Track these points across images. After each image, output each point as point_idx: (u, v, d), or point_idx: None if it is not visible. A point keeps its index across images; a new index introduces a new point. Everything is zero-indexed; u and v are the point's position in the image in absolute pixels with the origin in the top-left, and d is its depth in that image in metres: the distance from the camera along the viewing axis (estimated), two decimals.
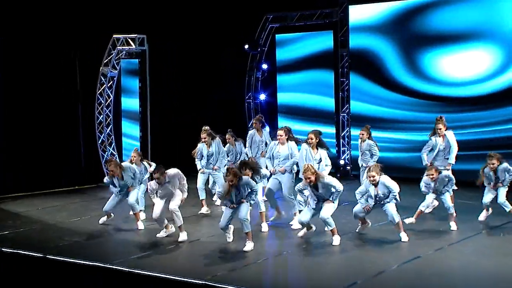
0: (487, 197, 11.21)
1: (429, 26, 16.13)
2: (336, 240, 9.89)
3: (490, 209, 11.34)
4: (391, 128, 16.74)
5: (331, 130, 17.91)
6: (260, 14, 18.84)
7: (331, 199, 9.92)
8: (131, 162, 11.94)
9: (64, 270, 8.90)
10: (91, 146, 17.10)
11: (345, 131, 17.84)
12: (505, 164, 11.01)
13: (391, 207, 10.11)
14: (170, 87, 18.24)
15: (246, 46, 19.08)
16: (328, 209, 9.88)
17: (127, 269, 8.53)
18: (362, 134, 13.26)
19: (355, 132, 17.26)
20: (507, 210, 11.05)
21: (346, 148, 17.81)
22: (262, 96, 19.73)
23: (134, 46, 16.49)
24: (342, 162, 17.81)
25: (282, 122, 18.74)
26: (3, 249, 9.80)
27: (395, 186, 10.11)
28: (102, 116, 17.17)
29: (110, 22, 16.97)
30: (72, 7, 16.52)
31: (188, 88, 18.62)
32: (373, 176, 10.07)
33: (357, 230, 10.65)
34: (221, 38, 18.50)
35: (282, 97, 19.00)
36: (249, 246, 9.61)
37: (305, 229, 10.34)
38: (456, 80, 15.83)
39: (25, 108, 16.02)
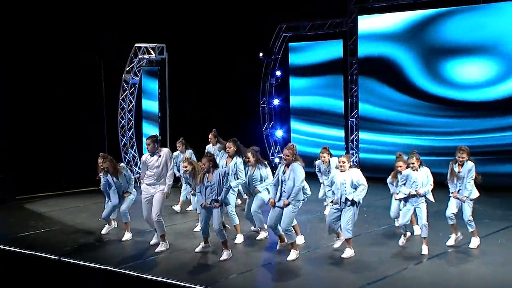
0: (451, 208, 9.53)
1: (432, 36, 15.76)
2: (293, 255, 9.05)
3: (459, 233, 9.65)
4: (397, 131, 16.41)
5: (341, 133, 17.65)
6: (274, 24, 18.66)
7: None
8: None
9: (76, 272, 8.71)
10: (114, 148, 16.99)
11: (353, 135, 17.54)
12: (472, 164, 9.34)
13: (346, 217, 8.99)
14: (188, 92, 18.08)
15: (261, 54, 18.89)
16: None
17: (130, 273, 8.32)
18: (324, 157, 11.63)
19: (363, 135, 17.01)
20: (470, 230, 9.51)
21: (354, 151, 17.47)
22: (276, 101, 19.48)
23: (154, 55, 16.35)
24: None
25: (294, 125, 18.48)
26: (22, 251, 9.65)
27: (364, 181, 8.99)
28: (124, 120, 17.09)
29: (133, 32, 16.88)
30: (98, 19, 16.44)
31: (205, 94, 18.43)
32: (343, 162, 8.96)
33: (334, 246, 9.61)
34: (237, 47, 18.26)
35: (295, 101, 18.70)
36: (225, 255, 8.99)
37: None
38: (467, 84, 15.43)
39: (56, 112, 16.03)
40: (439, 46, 15.66)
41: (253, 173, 10.06)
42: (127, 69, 16.86)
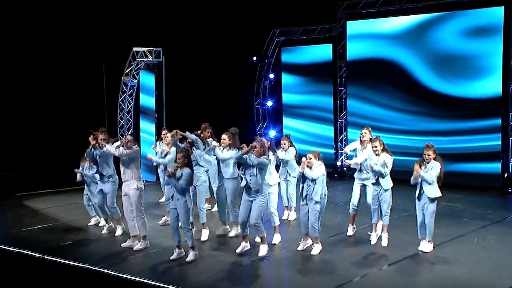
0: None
1: (419, 41, 15.17)
2: (264, 250, 8.60)
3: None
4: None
5: (330, 133, 17.14)
6: (267, 29, 18.14)
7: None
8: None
9: (57, 270, 8.23)
10: None
11: (342, 135, 17.02)
12: (437, 163, 8.51)
13: (310, 215, 8.55)
14: (184, 94, 17.46)
15: (255, 58, 18.38)
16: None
17: (107, 272, 7.86)
18: (285, 143, 10.60)
19: (351, 135, 16.47)
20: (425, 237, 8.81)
21: (343, 151, 16.89)
22: (269, 103, 18.98)
23: (151, 58, 15.87)
24: (339, 163, 16.98)
25: (287, 121, 17.93)
26: (11, 249, 9.19)
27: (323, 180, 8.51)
28: (123, 120, 16.64)
29: (131, 36, 16.41)
30: (99, 23, 15.99)
31: (201, 95, 17.87)
32: (310, 158, 8.55)
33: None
34: (232, 50, 17.72)
35: (287, 100, 18.13)
36: (192, 256, 8.37)
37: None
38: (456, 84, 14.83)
39: (57, 113, 15.67)
40: (426, 50, 15.02)
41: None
42: (126, 71, 16.41)
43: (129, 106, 16.62)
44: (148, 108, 16.18)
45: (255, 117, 18.89)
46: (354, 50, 16.37)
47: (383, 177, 8.97)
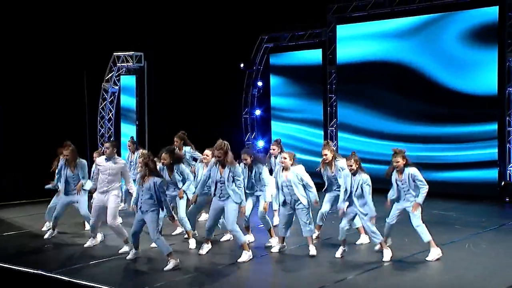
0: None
1: (410, 43, 14.79)
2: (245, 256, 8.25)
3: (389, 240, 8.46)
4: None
5: (321, 140, 16.59)
6: (255, 35, 17.83)
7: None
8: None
9: (11, 278, 7.75)
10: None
11: (333, 144, 16.26)
12: (414, 169, 8.03)
13: (301, 216, 8.26)
14: (167, 102, 17.07)
15: (242, 65, 18.06)
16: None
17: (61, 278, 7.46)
18: (274, 149, 10.37)
19: (342, 143, 16.02)
20: (424, 240, 8.19)
21: None
22: (258, 112, 18.62)
23: (132, 63, 15.53)
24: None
25: (276, 127, 17.52)
26: None
27: (309, 179, 8.22)
28: (104, 129, 16.24)
29: (112, 41, 16.06)
30: (79, 27, 15.65)
31: (185, 103, 17.45)
32: (285, 158, 8.28)
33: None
34: (218, 57, 17.37)
35: (276, 109, 17.74)
36: (171, 264, 7.87)
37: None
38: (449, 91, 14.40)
39: (37, 122, 15.23)
40: (419, 53, 14.61)
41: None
42: (106, 77, 16.05)
43: (110, 114, 16.19)
44: (129, 110, 15.81)
45: (243, 126, 18.52)
46: (345, 54, 15.99)
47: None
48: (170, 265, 7.86)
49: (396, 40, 15.00)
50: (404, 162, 8.03)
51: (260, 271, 7.96)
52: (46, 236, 9.99)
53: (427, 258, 8.06)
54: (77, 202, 9.74)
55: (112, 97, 16.18)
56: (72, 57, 15.71)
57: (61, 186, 9.86)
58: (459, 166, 13.97)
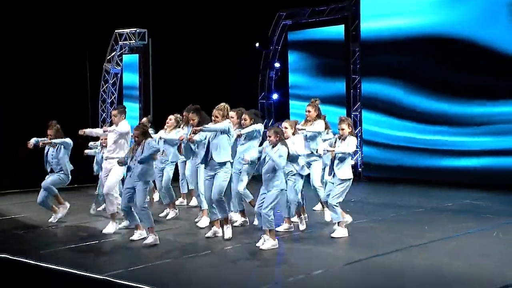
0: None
1: (438, 20, 14.02)
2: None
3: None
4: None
5: None
6: (272, 11, 17.32)
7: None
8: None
9: None
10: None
11: (357, 130, 15.91)
12: (353, 138, 8.16)
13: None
14: (174, 85, 16.69)
15: (257, 44, 17.57)
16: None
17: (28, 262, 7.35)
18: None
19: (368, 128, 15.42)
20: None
21: (358, 149, 15.85)
22: (275, 96, 18.17)
23: (135, 41, 15.20)
24: (353, 162, 15.76)
25: (294, 109, 16.97)
26: None
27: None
28: (106, 113, 15.95)
29: (114, 17, 15.80)
30: (80, 4, 15.41)
31: (194, 87, 17.03)
32: (286, 128, 8.36)
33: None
34: (232, 36, 16.97)
35: (295, 93, 17.18)
36: (150, 239, 8.05)
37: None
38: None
39: (39, 109, 15.04)
40: (456, 27, 13.82)
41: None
42: (108, 57, 15.76)
43: (112, 97, 15.90)
44: (132, 90, 15.53)
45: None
46: (370, 30, 15.31)
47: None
48: (149, 240, 8.02)
49: (428, 14, 14.25)
50: (350, 130, 8.19)
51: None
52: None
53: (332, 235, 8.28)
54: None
55: (115, 78, 15.85)
56: (72, 38, 15.56)
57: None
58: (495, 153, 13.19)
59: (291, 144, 8.19)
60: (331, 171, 8.21)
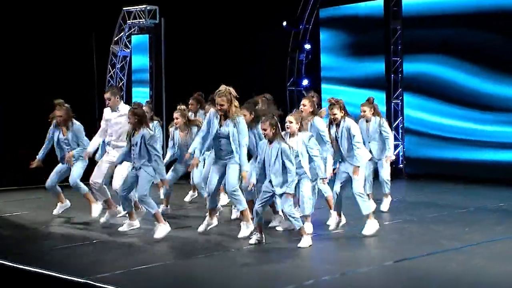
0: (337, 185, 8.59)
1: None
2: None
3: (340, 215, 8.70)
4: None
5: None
6: None
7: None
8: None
9: None
10: None
11: (398, 120, 15.84)
12: (351, 122, 8.40)
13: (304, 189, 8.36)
14: (190, 70, 16.70)
15: (285, 23, 17.53)
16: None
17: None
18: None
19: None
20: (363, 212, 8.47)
21: (399, 143, 15.77)
22: (306, 82, 18.11)
23: (145, 20, 15.31)
24: (393, 157, 15.52)
25: (327, 92, 16.52)
26: None
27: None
28: None
29: None
30: None
31: (212, 72, 16.96)
32: (291, 122, 8.38)
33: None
34: (255, 13, 16.94)
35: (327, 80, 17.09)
36: (161, 231, 8.38)
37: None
38: None
39: (41, 100, 15.28)
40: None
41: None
42: (115, 39, 15.91)
43: (120, 83, 16.08)
44: (142, 76, 15.62)
45: (287, 100, 18.01)
46: (413, 5, 15.17)
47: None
48: (159, 233, 8.38)
49: None
50: (343, 114, 8.39)
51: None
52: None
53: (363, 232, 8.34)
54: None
55: (123, 62, 15.98)
56: (76, 17, 15.73)
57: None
58: None
59: (296, 144, 8.25)
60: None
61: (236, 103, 8.41)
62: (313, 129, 9.11)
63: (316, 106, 9.47)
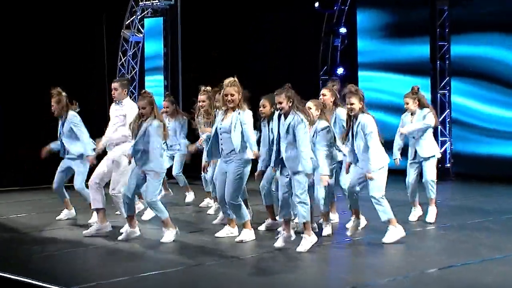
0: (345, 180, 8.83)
1: None
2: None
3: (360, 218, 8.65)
4: None
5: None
6: None
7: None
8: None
9: None
10: None
11: (445, 114, 15.58)
12: (368, 118, 8.15)
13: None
14: (210, 56, 16.63)
15: (317, 4, 17.40)
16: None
17: None
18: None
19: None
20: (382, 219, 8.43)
21: (446, 138, 15.56)
22: (340, 71, 18.00)
23: (159, 1, 15.37)
24: (440, 155, 15.27)
25: (364, 79, 16.72)
26: None
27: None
28: None
29: None
30: None
31: (233, 60, 16.98)
32: (310, 108, 8.46)
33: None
34: None
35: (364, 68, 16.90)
36: (168, 236, 8.56)
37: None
38: None
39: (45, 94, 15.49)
40: None
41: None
42: (126, 22, 15.98)
43: (132, 72, 16.12)
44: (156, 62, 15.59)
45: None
46: None
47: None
48: (166, 237, 8.54)
49: None
50: (361, 106, 8.19)
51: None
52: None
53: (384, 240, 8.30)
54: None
55: (135, 48, 16.03)
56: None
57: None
58: None
59: (313, 132, 8.37)
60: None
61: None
62: (337, 121, 9.06)
63: (339, 96, 9.28)
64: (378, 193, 8.14)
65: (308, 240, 7.83)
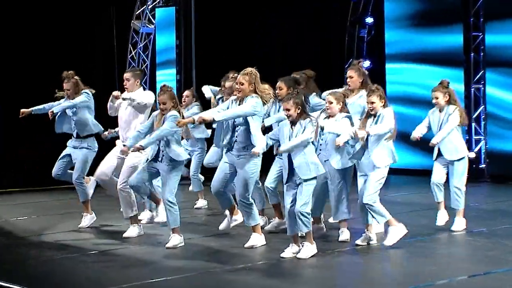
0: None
1: None
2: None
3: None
4: None
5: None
6: None
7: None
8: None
9: None
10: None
11: (479, 110, 15.51)
12: (387, 110, 8.28)
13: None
14: (225, 48, 16.66)
15: None
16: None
17: None
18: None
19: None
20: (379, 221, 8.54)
21: (481, 137, 15.50)
22: (367, 63, 17.77)
23: None
24: (473, 155, 15.27)
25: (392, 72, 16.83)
26: None
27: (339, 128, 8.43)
28: None
29: None
30: None
31: (253, 50, 17.00)
32: (331, 103, 8.57)
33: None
34: None
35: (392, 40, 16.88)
36: (174, 240, 8.69)
37: None
38: None
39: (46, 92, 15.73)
40: None
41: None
42: (136, 13, 16.04)
43: (144, 65, 16.18)
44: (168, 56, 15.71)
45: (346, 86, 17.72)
46: None
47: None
48: (173, 241, 8.65)
49: None
50: (383, 104, 8.33)
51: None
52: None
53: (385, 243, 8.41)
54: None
55: (146, 40, 16.07)
56: None
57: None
58: None
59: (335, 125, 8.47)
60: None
61: (261, 87, 8.50)
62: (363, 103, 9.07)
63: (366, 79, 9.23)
64: (372, 195, 8.27)
65: (310, 248, 7.98)
